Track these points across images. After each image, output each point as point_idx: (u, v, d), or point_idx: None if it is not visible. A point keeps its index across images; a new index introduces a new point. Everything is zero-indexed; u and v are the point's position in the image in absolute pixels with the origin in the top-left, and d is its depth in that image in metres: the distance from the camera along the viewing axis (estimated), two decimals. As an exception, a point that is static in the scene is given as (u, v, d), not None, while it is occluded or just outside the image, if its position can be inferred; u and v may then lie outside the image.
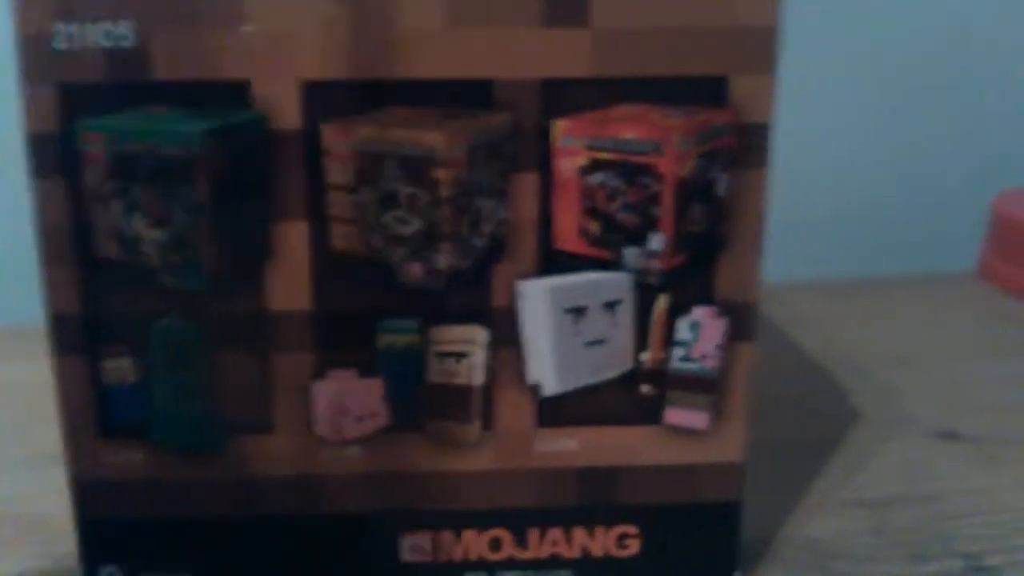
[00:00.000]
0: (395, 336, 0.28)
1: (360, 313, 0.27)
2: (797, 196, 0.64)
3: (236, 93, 0.26)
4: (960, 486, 0.37)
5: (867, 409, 0.44)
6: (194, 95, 0.26)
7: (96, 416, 0.28)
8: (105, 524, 0.29)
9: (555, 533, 0.29)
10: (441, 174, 0.26)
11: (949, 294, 0.59)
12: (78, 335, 0.27)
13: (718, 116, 0.26)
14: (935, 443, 0.41)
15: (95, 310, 0.27)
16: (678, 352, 0.28)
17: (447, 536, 0.29)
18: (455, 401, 0.28)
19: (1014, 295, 0.59)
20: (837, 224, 0.66)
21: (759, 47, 0.26)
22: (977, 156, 0.68)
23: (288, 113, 0.26)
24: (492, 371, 0.28)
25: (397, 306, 0.27)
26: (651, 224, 0.27)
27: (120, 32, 0.25)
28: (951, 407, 0.44)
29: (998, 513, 0.35)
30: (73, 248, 0.26)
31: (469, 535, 0.29)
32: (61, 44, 0.25)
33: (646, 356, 0.28)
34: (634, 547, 0.29)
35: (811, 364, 0.48)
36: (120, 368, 0.27)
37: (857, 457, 0.39)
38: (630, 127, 0.26)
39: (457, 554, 0.29)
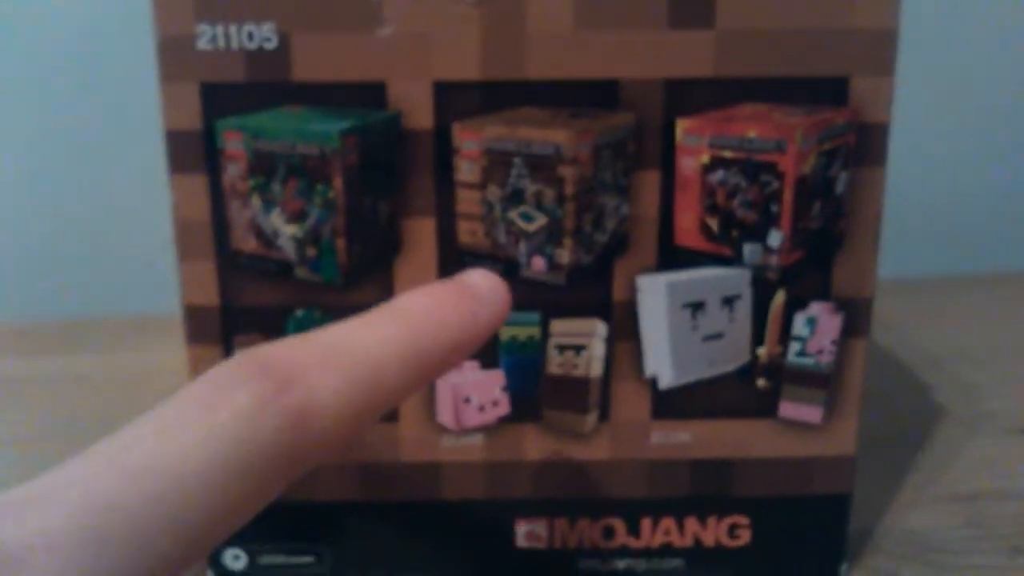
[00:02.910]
0: (517, 328, 0.28)
1: (484, 306, 0.28)
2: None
3: (372, 93, 0.27)
4: (1049, 482, 0.37)
5: (949, 405, 0.44)
6: (332, 95, 0.27)
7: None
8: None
9: (668, 522, 0.30)
10: (566, 172, 0.27)
11: (1017, 292, 0.59)
12: (214, 325, 0.28)
13: (838, 116, 0.27)
14: (1016, 438, 0.41)
15: (230, 302, 0.28)
16: (794, 347, 0.28)
17: (562, 523, 0.30)
18: (573, 392, 0.29)
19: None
20: (912, 223, 0.66)
21: (879, 49, 0.26)
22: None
23: (421, 113, 0.27)
24: (610, 363, 0.29)
25: (520, 299, 0.28)
26: (770, 221, 0.27)
27: (263, 34, 0.26)
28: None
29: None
30: (211, 242, 0.28)
31: (583, 523, 0.30)
32: (204, 44, 0.26)
33: (762, 350, 0.28)
34: (745, 537, 0.30)
35: (893, 361, 0.49)
36: (253, 358, 0.28)
37: (945, 452, 0.40)
38: (753, 126, 0.27)
39: (571, 541, 0.30)
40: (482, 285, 0.20)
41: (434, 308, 0.19)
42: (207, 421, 0.16)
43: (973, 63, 0.65)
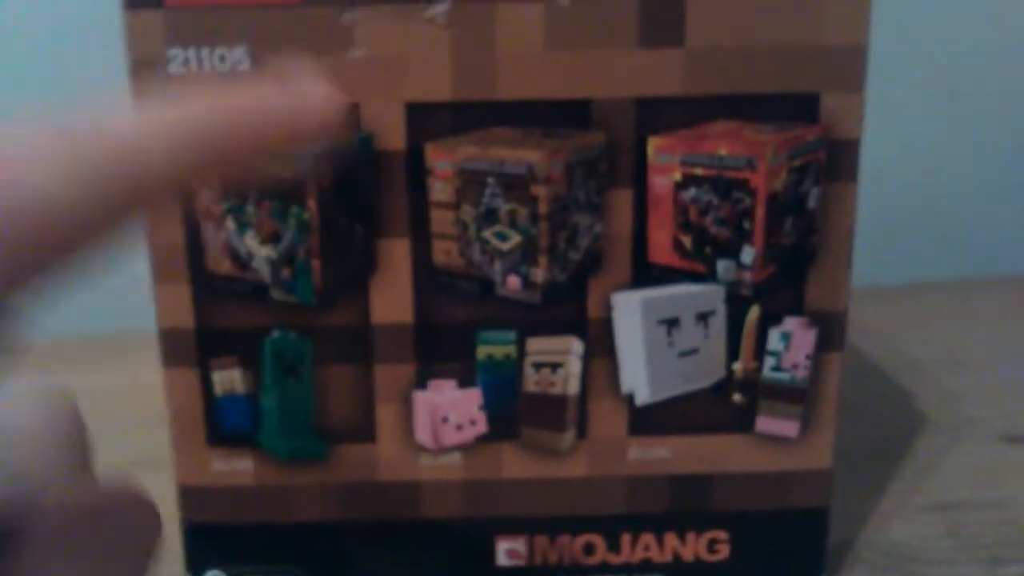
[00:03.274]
0: (493, 347, 0.28)
1: (460, 325, 0.28)
2: (861, 200, 0.65)
3: (345, 115, 0.27)
4: (1031, 491, 0.38)
5: (932, 413, 0.44)
6: (304, 117, 0.27)
7: (206, 425, 0.29)
8: (210, 529, 0.30)
9: (647, 538, 0.30)
10: (540, 191, 0.27)
11: (1003, 299, 0.60)
12: (190, 348, 0.28)
13: (809, 132, 0.27)
14: (1001, 447, 0.41)
15: (206, 324, 0.28)
16: (769, 362, 0.28)
17: (542, 541, 0.30)
18: (550, 410, 0.29)
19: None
20: (892, 229, 0.67)
21: (849, 65, 0.26)
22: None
23: (394, 134, 0.27)
24: (587, 381, 0.29)
25: (495, 318, 0.28)
26: (743, 237, 0.27)
27: (235, 57, 0.26)
28: (1013, 411, 0.44)
29: (1071, 517, 0.36)
30: (185, 265, 0.28)
31: (563, 540, 0.30)
32: (176, 68, 0.26)
33: (738, 366, 0.28)
34: (724, 552, 0.30)
35: (875, 369, 0.49)
36: (230, 379, 0.29)
37: (927, 461, 0.40)
38: (724, 143, 0.27)
39: (551, 558, 0.30)
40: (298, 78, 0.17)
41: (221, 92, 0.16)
42: None
43: (953, 67, 0.66)
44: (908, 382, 0.47)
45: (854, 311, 0.60)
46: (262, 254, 0.27)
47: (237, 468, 0.29)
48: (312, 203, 0.27)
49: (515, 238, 0.28)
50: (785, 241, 0.27)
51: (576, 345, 0.28)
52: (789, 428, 0.29)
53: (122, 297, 0.57)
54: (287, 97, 0.16)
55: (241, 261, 0.28)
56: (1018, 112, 0.67)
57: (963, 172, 0.68)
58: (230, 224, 0.27)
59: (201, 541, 0.30)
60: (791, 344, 0.28)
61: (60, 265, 0.14)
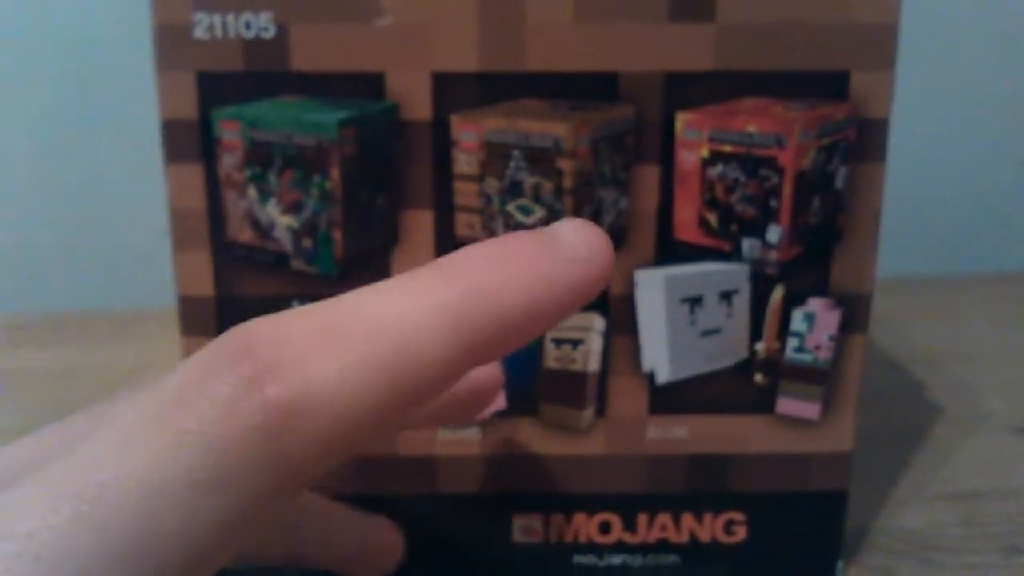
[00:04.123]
0: (514, 322, 0.28)
1: (481, 299, 0.28)
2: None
3: (370, 84, 0.26)
4: (1045, 481, 0.37)
5: (944, 404, 0.44)
6: (329, 85, 0.26)
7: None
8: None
9: (664, 518, 0.30)
10: (565, 164, 0.27)
11: (1014, 293, 0.59)
12: (209, 317, 0.28)
13: (839, 110, 0.27)
14: (1013, 438, 0.41)
15: (226, 293, 0.28)
16: (792, 343, 0.28)
17: (558, 518, 0.30)
18: (570, 387, 0.29)
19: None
20: (912, 221, 0.66)
21: (880, 44, 0.26)
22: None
23: (419, 104, 0.27)
24: (607, 358, 0.28)
25: (517, 293, 0.28)
26: (769, 216, 0.27)
27: (260, 23, 0.26)
28: (1025, 403, 0.44)
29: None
30: (207, 232, 0.27)
31: (579, 518, 0.30)
32: (200, 33, 0.26)
33: (760, 346, 0.28)
34: (741, 533, 0.30)
35: (888, 359, 0.49)
36: (248, 350, 0.28)
37: (940, 451, 0.40)
38: (752, 120, 0.27)
39: (567, 536, 0.30)
40: (570, 237, 0.16)
41: (497, 264, 0.14)
42: (174, 424, 0.13)
43: (973, 62, 0.65)
44: (922, 374, 0.47)
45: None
46: (283, 223, 0.27)
47: (253, 439, 0.29)
48: (335, 173, 0.27)
49: (539, 212, 0.27)
50: (812, 221, 0.27)
51: (598, 322, 0.28)
52: (810, 410, 0.29)
53: (126, 274, 0.57)
54: (561, 267, 0.15)
55: (262, 230, 0.27)
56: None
57: (982, 166, 0.67)
58: (252, 192, 0.27)
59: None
60: (815, 325, 0.28)
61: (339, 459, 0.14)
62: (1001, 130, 0.67)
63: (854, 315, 0.28)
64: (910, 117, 0.67)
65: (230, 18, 0.26)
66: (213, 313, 0.28)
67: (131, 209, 0.56)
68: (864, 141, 0.27)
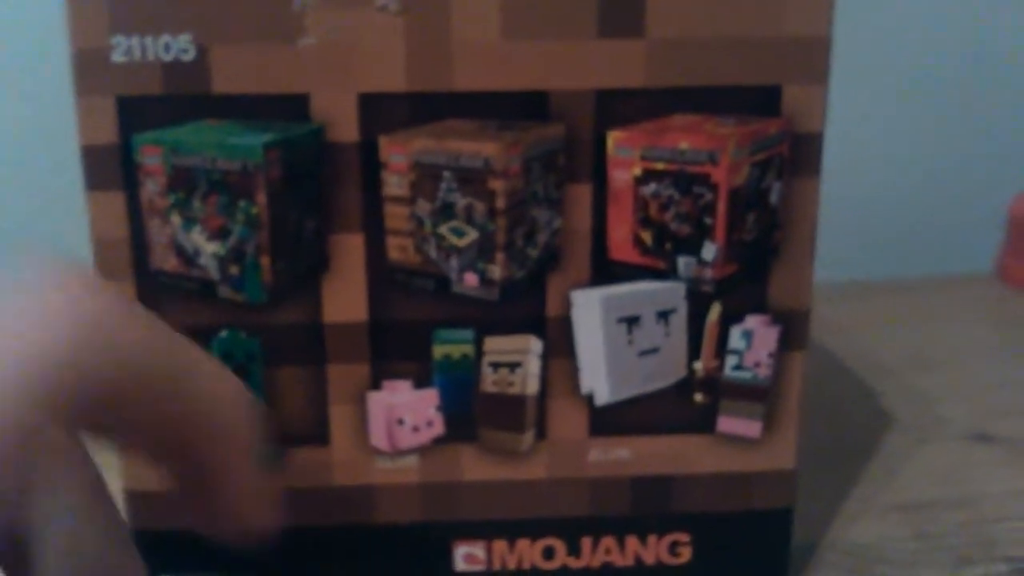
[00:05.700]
0: (450, 346, 0.28)
1: (415, 324, 0.27)
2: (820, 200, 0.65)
3: (295, 106, 0.26)
4: (997, 488, 0.37)
5: (899, 412, 0.44)
6: (253, 108, 0.26)
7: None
8: (159, 535, 0.29)
9: (608, 542, 0.29)
10: (497, 185, 0.26)
11: (967, 296, 0.60)
12: (135, 348, 0.27)
13: (771, 126, 0.26)
14: (969, 446, 0.41)
15: (152, 323, 0.27)
16: (731, 361, 0.28)
17: (500, 545, 0.29)
18: (509, 411, 0.28)
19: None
20: (856, 225, 0.67)
21: (811, 57, 0.26)
22: (994, 157, 0.69)
23: (346, 126, 0.26)
24: (546, 380, 0.28)
25: (452, 316, 0.27)
26: (704, 233, 0.27)
27: (180, 45, 0.25)
28: (981, 409, 0.44)
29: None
30: (130, 261, 0.27)
31: (522, 544, 0.29)
32: (119, 57, 0.25)
33: (699, 365, 0.28)
34: (686, 555, 0.30)
35: (840, 367, 0.49)
36: (176, 380, 0.28)
37: (894, 461, 0.39)
38: (685, 137, 0.26)
39: (511, 563, 0.29)
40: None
41: None
42: None
43: (922, 65, 0.66)
44: (875, 381, 0.47)
45: (821, 309, 0.60)
46: (209, 250, 0.26)
47: (185, 472, 0.28)
48: (261, 197, 0.26)
49: (472, 234, 0.27)
50: (747, 237, 0.27)
51: (535, 344, 0.28)
52: (751, 428, 0.28)
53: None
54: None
55: (188, 257, 0.27)
56: (983, 112, 0.68)
57: (930, 170, 0.68)
58: (176, 219, 0.26)
59: (150, 548, 0.29)
60: (753, 342, 0.28)
61: None
62: (951, 136, 0.68)
63: (792, 332, 0.28)
64: (863, 122, 0.67)
65: (148, 41, 0.25)
66: (140, 343, 0.27)
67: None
68: (798, 156, 0.27)
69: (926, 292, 0.60)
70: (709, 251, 0.27)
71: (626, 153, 0.26)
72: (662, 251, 0.27)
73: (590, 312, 0.27)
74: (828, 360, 0.49)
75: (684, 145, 0.26)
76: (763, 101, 0.26)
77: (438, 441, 0.28)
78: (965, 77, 0.66)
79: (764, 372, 0.28)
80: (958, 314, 0.56)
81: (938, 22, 0.65)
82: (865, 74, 0.65)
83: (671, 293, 0.27)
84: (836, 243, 0.68)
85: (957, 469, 0.39)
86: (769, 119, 0.26)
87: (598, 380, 0.28)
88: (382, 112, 0.26)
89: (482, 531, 0.29)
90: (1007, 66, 0.67)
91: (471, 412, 0.28)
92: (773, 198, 0.27)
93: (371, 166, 0.26)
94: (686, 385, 0.28)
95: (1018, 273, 0.61)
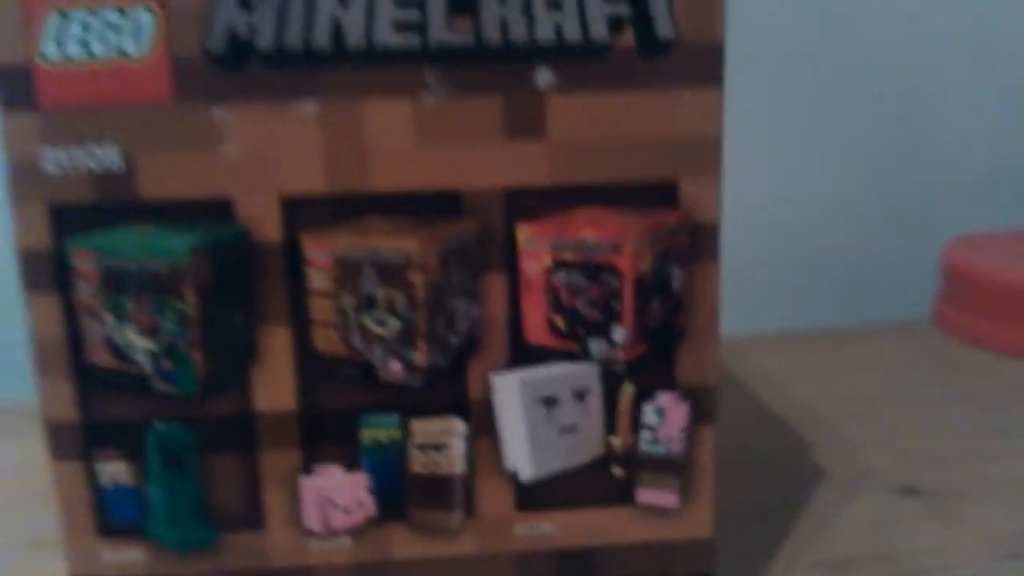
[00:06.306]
0: (378, 431, 0.29)
1: (343, 410, 0.29)
2: (752, 248, 0.67)
3: (219, 209, 0.27)
4: (921, 543, 0.39)
5: (829, 465, 0.45)
6: (180, 212, 0.27)
7: (94, 516, 0.29)
8: None
9: (536, 612, 0.31)
10: (417, 277, 0.28)
11: (904, 344, 0.61)
12: (75, 441, 0.28)
13: (670, 217, 0.28)
14: (896, 499, 0.42)
15: (90, 416, 0.28)
16: (646, 436, 0.29)
17: (433, 620, 0.30)
18: (437, 490, 0.29)
19: (968, 343, 0.61)
20: (792, 277, 0.68)
21: (705, 152, 0.28)
22: (928, 205, 0.71)
23: (269, 226, 0.27)
24: (471, 460, 0.29)
25: (378, 402, 0.29)
26: (613, 317, 0.28)
27: (106, 155, 0.27)
28: (910, 461, 0.45)
29: (961, 568, 0.37)
30: (67, 358, 0.28)
31: (454, 618, 0.30)
32: (50, 167, 0.27)
33: (616, 440, 0.29)
34: (612, 622, 0.31)
35: (772, 419, 0.50)
36: (116, 471, 0.29)
37: (821, 515, 0.41)
38: (590, 229, 0.28)
39: (443, 637, 0.31)
40: None
41: None
42: None
43: (847, 119, 0.68)
44: (808, 432, 0.48)
45: (757, 360, 0.61)
46: (142, 347, 0.28)
47: (128, 559, 0.29)
48: (190, 296, 0.27)
49: (394, 323, 0.28)
50: (653, 321, 0.29)
51: (459, 426, 0.29)
52: (669, 499, 0.30)
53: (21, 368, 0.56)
54: None
55: (121, 354, 0.28)
56: (916, 160, 0.70)
57: (864, 221, 0.70)
58: (109, 317, 0.28)
59: None
60: (665, 418, 0.29)
61: None
62: (884, 185, 0.70)
63: (702, 406, 0.29)
64: (794, 172, 0.70)
65: (78, 152, 0.27)
66: (80, 437, 0.28)
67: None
68: (696, 244, 0.28)
69: (862, 341, 0.61)
70: (618, 334, 0.28)
71: (536, 245, 0.28)
72: (575, 335, 0.29)
73: (510, 394, 0.29)
74: (762, 412, 0.51)
75: (589, 236, 0.28)
76: (661, 195, 0.28)
77: (370, 521, 0.29)
78: (897, 126, 0.69)
79: (677, 446, 0.29)
80: (894, 363, 0.58)
81: (872, 70, 0.67)
82: (797, 125, 0.67)
83: (586, 374, 0.29)
84: (773, 295, 0.70)
85: (881, 523, 0.40)
86: (668, 211, 0.28)
87: (521, 458, 0.29)
88: (303, 212, 0.27)
89: (415, 607, 0.30)
90: (940, 112, 0.70)
91: (401, 492, 0.29)
92: (675, 284, 0.28)
93: (295, 262, 0.28)
94: (605, 460, 0.30)
95: (954, 320, 0.63)
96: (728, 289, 0.54)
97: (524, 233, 0.28)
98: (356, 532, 0.29)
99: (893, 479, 0.44)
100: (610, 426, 0.29)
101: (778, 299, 0.67)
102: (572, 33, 0.27)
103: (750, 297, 0.64)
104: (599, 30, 0.27)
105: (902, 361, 0.58)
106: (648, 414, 0.29)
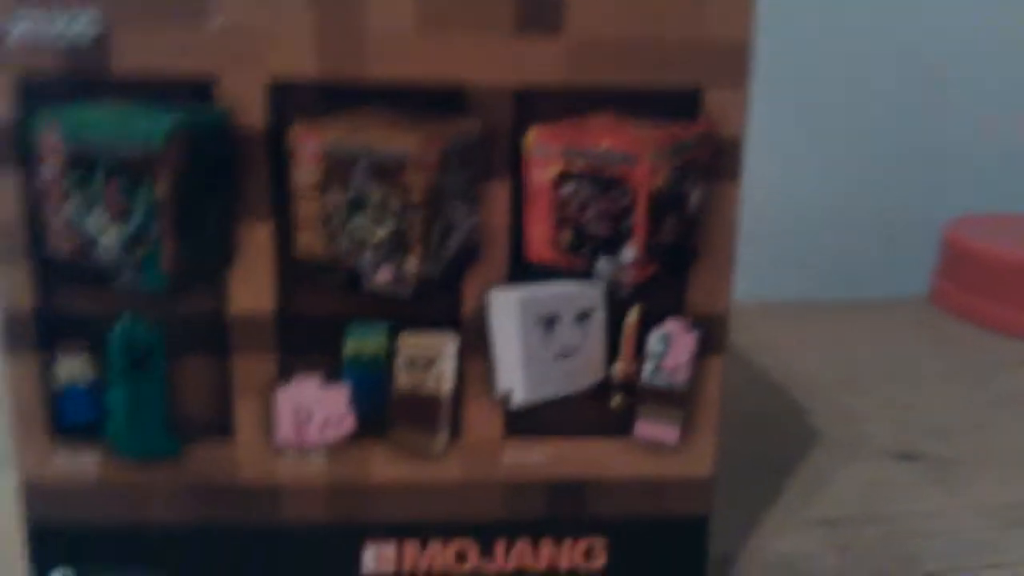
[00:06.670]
0: (362, 342, 0.27)
1: (326, 318, 0.27)
2: (754, 219, 0.65)
3: (201, 89, 0.25)
4: (918, 507, 0.37)
5: (826, 430, 0.44)
6: (157, 90, 0.25)
7: (48, 416, 0.27)
8: (56, 527, 0.28)
9: (522, 545, 0.29)
10: (413, 178, 0.26)
11: (902, 318, 0.60)
12: (30, 333, 0.26)
13: (691, 129, 0.26)
14: (892, 463, 0.41)
15: (49, 308, 0.26)
16: (649, 365, 0.27)
17: (412, 547, 0.29)
18: (422, 410, 0.28)
19: (964, 321, 0.60)
20: (792, 246, 0.67)
21: (732, 61, 0.26)
22: (928, 183, 0.69)
23: (254, 112, 0.25)
24: (461, 380, 0.27)
25: (364, 312, 0.27)
26: (624, 235, 0.26)
27: (82, 23, 0.24)
28: (906, 429, 0.44)
29: (956, 533, 0.35)
30: (25, 244, 0.26)
31: (434, 546, 0.29)
32: (19, 31, 0.24)
33: (617, 368, 0.27)
34: (601, 559, 0.29)
35: (770, 384, 0.49)
36: (74, 367, 0.26)
37: (818, 477, 0.39)
38: (604, 138, 0.26)
39: (421, 566, 0.29)
40: None
41: None
42: None
43: (853, 95, 0.66)
44: (805, 399, 0.47)
45: (756, 328, 0.60)
46: (109, 234, 0.25)
47: (82, 463, 0.27)
48: (164, 182, 0.25)
49: (386, 227, 0.26)
50: (666, 240, 0.27)
51: (450, 343, 0.27)
52: (669, 433, 0.28)
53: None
54: None
55: (85, 241, 0.26)
56: (920, 136, 0.68)
57: (869, 195, 0.68)
58: (74, 201, 0.25)
59: (46, 539, 0.28)
60: (671, 346, 0.27)
61: None
62: (887, 160, 0.68)
63: (711, 336, 0.27)
64: (799, 145, 0.68)
65: (51, 17, 0.24)
66: (37, 329, 0.26)
67: None
68: (718, 160, 0.26)
69: (861, 314, 0.60)
70: (628, 253, 0.26)
71: (545, 152, 0.26)
72: (580, 252, 0.27)
73: (507, 312, 0.27)
74: (761, 377, 0.49)
75: (604, 146, 0.26)
76: (684, 104, 0.26)
77: (348, 439, 0.28)
78: (903, 102, 0.67)
79: (682, 377, 0.27)
80: (891, 336, 0.56)
81: (877, 40, 0.65)
82: (804, 100, 0.65)
83: (589, 294, 0.27)
84: (774, 264, 0.68)
85: (878, 486, 0.39)
86: (689, 123, 0.26)
87: (514, 381, 0.27)
88: (292, 99, 0.25)
89: (393, 532, 0.28)
90: (941, 94, 0.68)
91: (383, 410, 0.27)
92: (693, 202, 0.26)
93: (281, 154, 0.26)
94: (604, 388, 0.28)
95: (951, 297, 0.62)
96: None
97: (533, 137, 0.26)
98: (332, 449, 0.28)
99: (889, 445, 0.42)
100: (612, 352, 0.27)
101: (777, 269, 0.65)
102: (599, -84, 0.24)
103: (752, 267, 0.62)
104: (629, -86, 0.24)
105: (898, 334, 0.57)
106: (653, 341, 0.27)
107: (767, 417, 0.45)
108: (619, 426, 0.28)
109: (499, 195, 0.26)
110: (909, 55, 0.66)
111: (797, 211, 0.67)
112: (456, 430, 0.28)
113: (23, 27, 0.24)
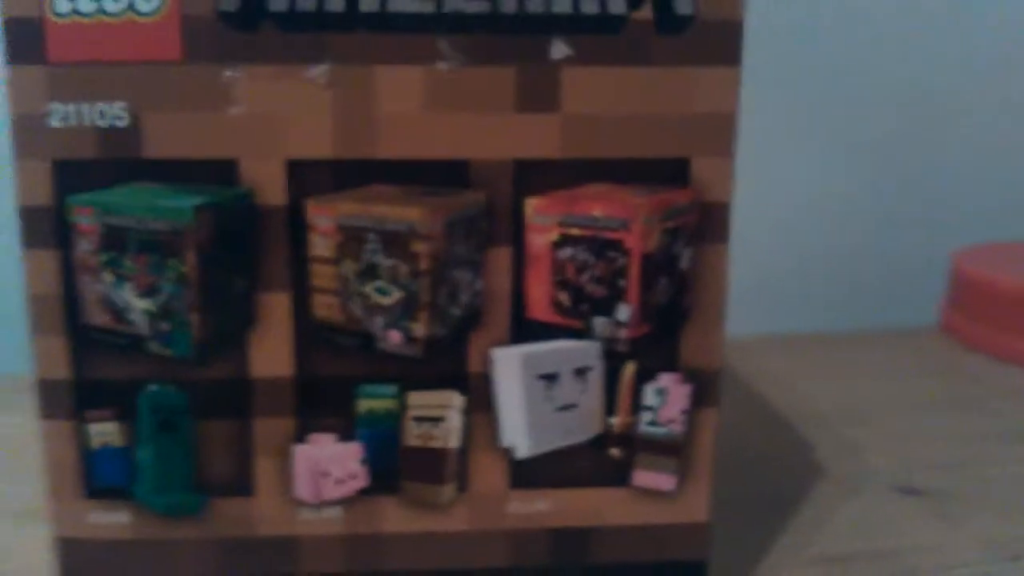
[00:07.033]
0: (374, 401, 0.29)
1: (340, 379, 0.28)
2: (762, 251, 0.67)
3: (224, 171, 0.27)
4: (920, 542, 0.38)
5: (830, 464, 0.45)
6: (183, 172, 0.27)
7: (81, 478, 0.28)
8: (86, 585, 0.29)
9: (527, 592, 0.30)
10: (420, 247, 0.28)
11: (910, 349, 0.61)
12: (66, 400, 0.28)
13: (681, 195, 0.28)
14: (895, 498, 0.42)
15: (83, 376, 0.28)
16: (645, 416, 0.29)
17: (423, 596, 0.30)
18: (431, 463, 0.29)
19: (974, 351, 0.61)
20: (800, 279, 0.68)
21: (719, 131, 0.28)
22: (936, 212, 0.71)
23: (274, 190, 0.27)
24: (468, 435, 0.29)
25: (376, 372, 0.28)
26: (618, 295, 0.28)
27: (114, 112, 0.27)
28: (911, 462, 0.45)
29: (956, 568, 0.36)
30: (63, 316, 0.28)
31: (444, 594, 0.30)
32: (56, 122, 0.27)
33: (615, 420, 0.29)
34: (604, 605, 0.30)
35: (775, 418, 0.50)
36: (106, 432, 0.28)
37: (820, 512, 0.40)
38: (599, 205, 0.28)
39: (432, 613, 0.30)
40: None
41: None
42: None
43: (856, 122, 0.68)
44: (809, 432, 0.48)
45: (762, 360, 0.61)
46: (139, 307, 0.27)
47: (114, 521, 0.29)
48: (190, 257, 0.27)
49: (396, 293, 0.28)
50: (659, 300, 0.28)
51: (457, 399, 0.29)
52: (666, 481, 0.29)
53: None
54: None
55: (118, 313, 0.27)
56: (927, 164, 0.70)
57: (875, 226, 0.70)
58: (107, 277, 0.27)
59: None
60: (666, 399, 0.29)
61: None
62: (894, 188, 0.70)
63: (704, 389, 0.29)
64: (805, 175, 0.69)
65: (85, 107, 0.26)
66: (71, 396, 0.28)
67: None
68: (706, 224, 0.28)
69: (868, 345, 0.61)
70: (623, 312, 0.28)
71: (543, 219, 0.28)
72: (578, 312, 0.28)
73: (510, 369, 0.28)
74: (764, 410, 0.51)
75: (598, 212, 0.27)
76: (673, 172, 0.28)
77: (362, 493, 0.29)
78: (909, 132, 0.68)
79: (677, 428, 0.29)
80: (898, 367, 0.57)
81: (879, 72, 0.67)
82: (808, 131, 0.67)
83: (587, 352, 0.29)
84: (782, 296, 0.70)
85: (881, 521, 0.40)
86: (679, 189, 0.28)
87: (518, 434, 0.29)
88: (308, 177, 0.27)
89: (405, 582, 0.30)
90: (951, 121, 0.69)
91: (395, 465, 0.29)
92: (683, 263, 0.28)
93: (298, 228, 0.27)
94: (602, 440, 0.29)
95: (960, 327, 0.63)
96: (737, 291, 0.54)
97: (532, 207, 0.28)
98: (347, 503, 0.29)
99: (893, 479, 0.43)
100: (610, 406, 0.29)
101: (785, 302, 0.67)
102: (589, 5, 0.26)
103: (758, 299, 0.64)
104: (617, 3, 0.26)
105: (905, 365, 0.58)
106: (649, 395, 0.29)
107: (770, 452, 0.46)
108: (618, 476, 0.29)
109: (501, 261, 0.28)
110: (914, 86, 0.67)
111: (803, 243, 0.68)
112: (463, 483, 0.29)
113: (58, 117, 0.26)
